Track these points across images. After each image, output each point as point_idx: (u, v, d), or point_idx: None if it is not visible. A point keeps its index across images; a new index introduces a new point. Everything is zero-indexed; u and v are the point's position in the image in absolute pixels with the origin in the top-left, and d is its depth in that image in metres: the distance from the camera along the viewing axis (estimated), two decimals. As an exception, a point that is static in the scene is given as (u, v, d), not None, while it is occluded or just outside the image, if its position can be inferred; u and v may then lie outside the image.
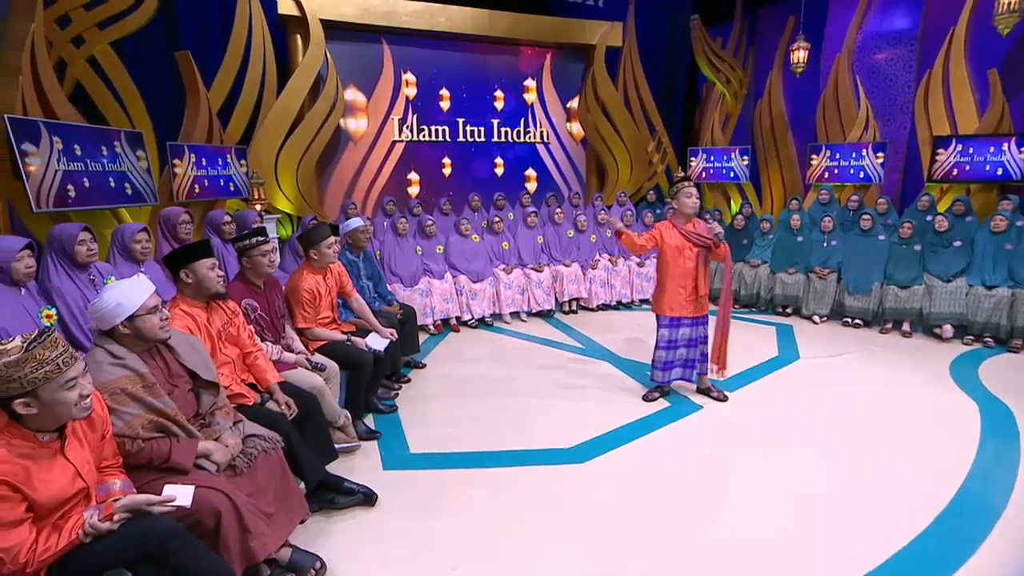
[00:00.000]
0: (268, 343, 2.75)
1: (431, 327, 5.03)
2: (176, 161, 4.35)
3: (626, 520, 2.40)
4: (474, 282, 5.22)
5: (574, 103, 8.01)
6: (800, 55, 6.40)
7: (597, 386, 3.85)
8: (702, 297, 3.39)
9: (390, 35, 6.87)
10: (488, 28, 7.06)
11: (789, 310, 5.50)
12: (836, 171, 6.62)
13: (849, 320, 5.12)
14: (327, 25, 6.32)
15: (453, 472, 2.80)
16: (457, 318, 5.20)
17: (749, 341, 4.72)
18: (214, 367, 2.08)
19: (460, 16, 6.93)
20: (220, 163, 4.85)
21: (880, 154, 6.30)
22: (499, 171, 7.87)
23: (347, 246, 3.90)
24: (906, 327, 4.87)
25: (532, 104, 7.85)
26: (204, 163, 4.65)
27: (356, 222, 3.86)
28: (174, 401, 1.87)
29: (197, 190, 4.59)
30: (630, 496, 2.57)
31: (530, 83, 7.76)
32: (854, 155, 6.45)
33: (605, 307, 5.86)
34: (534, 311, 5.54)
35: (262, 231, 2.67)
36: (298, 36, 6.31)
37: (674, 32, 8.92)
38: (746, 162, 7.43)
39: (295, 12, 6.10)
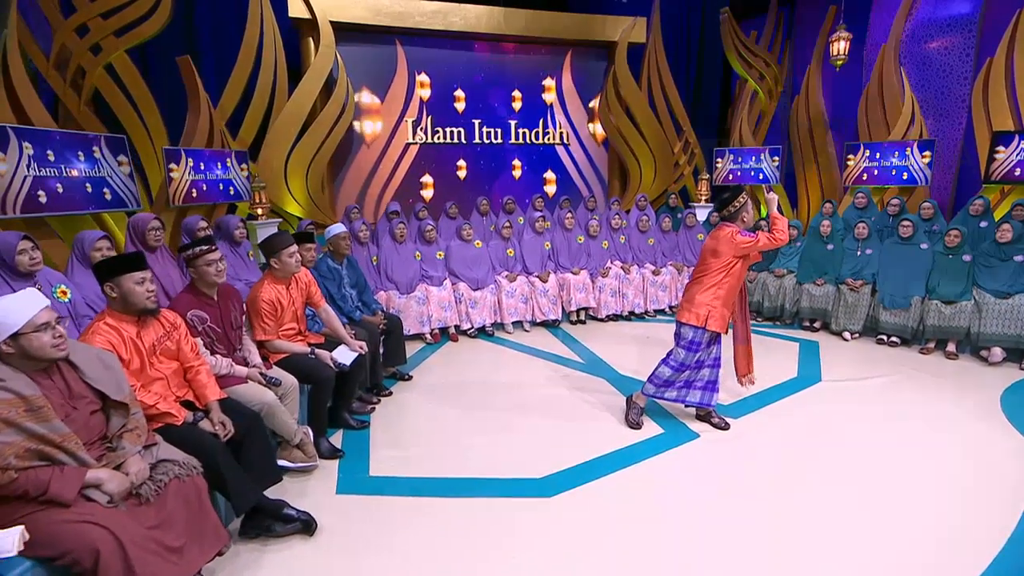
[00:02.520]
0: (218, 356, 2.62)
1: (428, 336, 4.85)
2: (172, 166, 4.35)
3: (582, 571, 2.12)
4: (474, 290, 5.01)
5: (596, 103, 7.70)
6: (840, 46, 5.86)
7: (588, 406, 3.56)
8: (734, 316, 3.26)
9: (404, 36, 6.77)
10: (503, 27, 6.86)
11: (817, 325, 5.02)
12: (876, 172, 6.04)
13: (884, 338, 4.61)
14: (340, 27, 6.28)
15: (408, 500, 2.59)
16: (456, 327, 5.00)
17: (765, 359, 4.29)
18: (127, 386, 1.94)
19: (475, 15, 6.76)
20: (219, 167, 4.84)
21: (927, 153, 5.69)
22: (516, 174, 7.65)
23: (328, 253, 3.77)
24: (951, 348, 4.32)
25: (551, 104, 7.59)
26: (202, 167, 4.63)
27: (337, 228, 3.72)
28: (71, 424, 1.74)
29: (195, 194, 4.58)
30: (593, 540, 2.29)
31: (549, 82, 7.52)
32: (896, 154, 5.86)
33: (616, 317, 5.53)
34: (539, 320, 5.28)
35: (208, 239, 2.55)
36: (311, 39, 6.29)
37: (707, 27, 8.48)
38: (776, 163, 6.91)
39: (306, 15, 6.08)
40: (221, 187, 4.86)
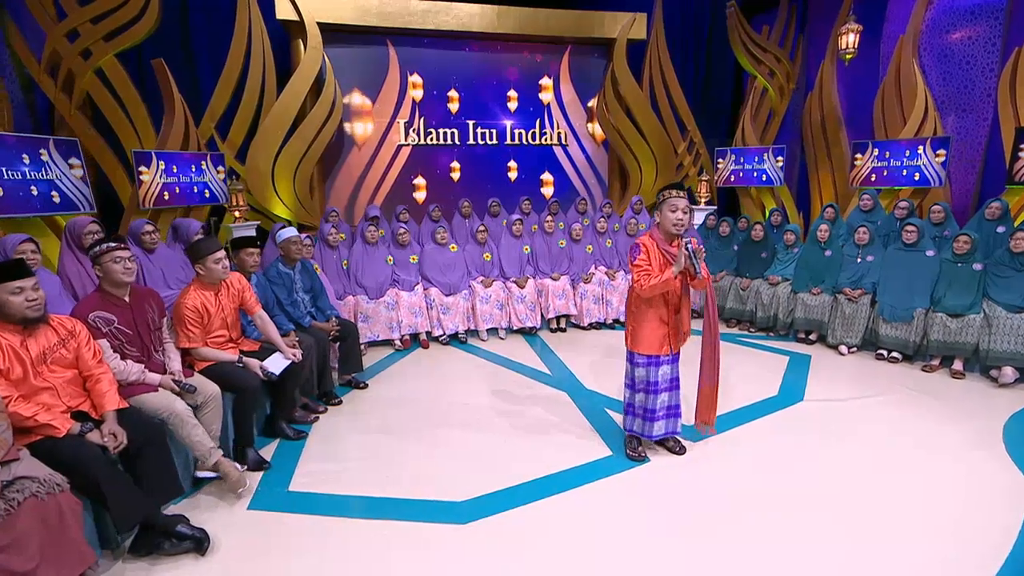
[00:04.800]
0: (129, 361, 2.53)
1: (397, 342, 4.71)
2: (142, 168, 4.34)
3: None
4: (447, 295, 4.85)
5: (595, 102, 7.45)
6: (850, 39, 5.49)
7: (542, 424, 3.34)
8: (686, 333, 2.79)
9: (395, 36, 6.69)
10: (497, 25, 6.70)
11: (813, 337, 4.65)
12: (885, 173, 5.59)
13: (884, 353, 4.22)
14: (330, 28, 6.24)
15: (318, 520, 2.44)
16: (428, 333, 4.85)
17: (746, 373, 3.99)
18: (-10, 397, 1.86)
19: (467, 14, 6.62)
20: (193, 170, 4.82)
21: (941, 151, 5.23)
22: (512, 175, 7.47)
23: (280, 258, 3.67)
24: (957, 366, 3.91)
25: (548, 104, 7.39)
26: (175, 170, 4.62)
27: (287, 232, 3.62)
28: (-89, 438, 1.67)
29: (167, 197, 4.57)
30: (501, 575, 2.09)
31: (546, 81, 7.31)
32: (907, 153, 5.41)
33: (599, 325, 5.28)
34: (516, 328, 5.07)
35: (119, 237, 2.46)
36: (300, 41, 6.27)
37: (716, 23, 8.11)
38: (780, 163, 6.52)
39: (294, 17, 6.05)
40: (196, 190, 4.85)
